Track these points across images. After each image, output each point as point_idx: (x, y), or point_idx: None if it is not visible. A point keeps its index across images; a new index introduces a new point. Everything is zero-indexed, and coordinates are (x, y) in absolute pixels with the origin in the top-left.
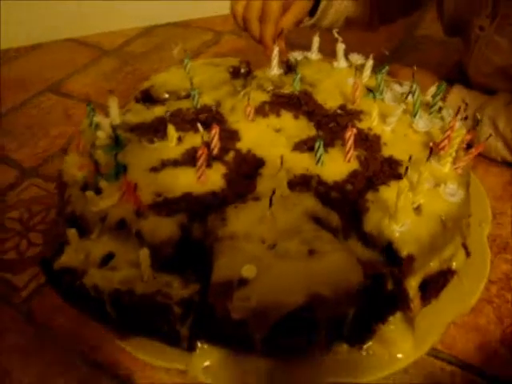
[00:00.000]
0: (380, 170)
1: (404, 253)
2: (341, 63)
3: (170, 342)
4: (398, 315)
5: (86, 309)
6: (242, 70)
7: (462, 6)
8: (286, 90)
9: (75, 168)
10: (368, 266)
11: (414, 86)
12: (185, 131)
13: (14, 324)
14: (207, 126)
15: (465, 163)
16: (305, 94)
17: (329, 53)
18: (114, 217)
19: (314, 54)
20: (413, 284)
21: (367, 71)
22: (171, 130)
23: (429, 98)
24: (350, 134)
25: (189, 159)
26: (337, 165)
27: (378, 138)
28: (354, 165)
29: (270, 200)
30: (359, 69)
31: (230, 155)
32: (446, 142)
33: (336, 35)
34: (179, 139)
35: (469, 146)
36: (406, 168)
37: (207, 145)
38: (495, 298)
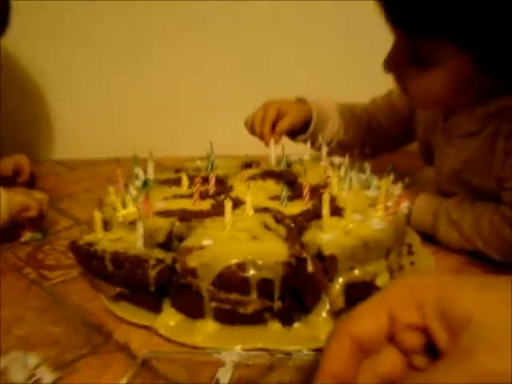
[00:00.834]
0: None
1: (327, 253)
2: (323, 162)
3: (144, 304)
4: (325, 310)
5: (94, 269)
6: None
7: (426, 131)
8: (275, 169)
9: (113, 195)
10: (295, 250)
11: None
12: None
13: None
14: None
15: (392, 210)
16: (288, 171)
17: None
18: (129, 218)
19: (306, 156)
20: (339, 281)
21: (343, 167)
22: (184, 177)
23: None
24: (306, 185)
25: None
26: (296, 207)
27: (334, 197)
28: (308, 206)
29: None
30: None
31: (221, 197)
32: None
33: (320, 140)
34: (189, 186)
35: None
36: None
37: (205, 179)
38: None
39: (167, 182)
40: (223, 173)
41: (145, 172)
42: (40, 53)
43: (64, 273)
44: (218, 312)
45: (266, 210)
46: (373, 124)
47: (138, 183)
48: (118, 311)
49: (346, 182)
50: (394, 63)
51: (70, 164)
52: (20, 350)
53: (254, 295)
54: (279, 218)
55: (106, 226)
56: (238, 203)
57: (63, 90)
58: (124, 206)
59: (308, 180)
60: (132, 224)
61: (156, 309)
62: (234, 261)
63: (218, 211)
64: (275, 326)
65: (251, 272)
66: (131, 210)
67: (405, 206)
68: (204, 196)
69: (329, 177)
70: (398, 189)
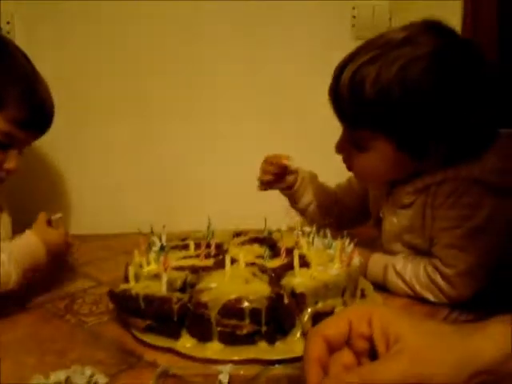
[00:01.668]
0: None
1: (298, 291)
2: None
3: (167, 333)
4: (298, 332)
5: (129, 308)
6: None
7: (375, 204)
8: (260, 236)
9: (137, 256)
10: (274, 289)
11: (329, 238)
12: (199, 248)
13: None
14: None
15: (346, 263)
16: (269, 238)
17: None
18: (152, 272)
19: (283, 227)
20: (308, 312)
21: (311, 234)
22: (191, 243)
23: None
24: (282, 246)
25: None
26: (275, 262)
27: (304, 255)
28: (284, 262)
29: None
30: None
31: (220, 257)
32: (338, 254)
33: (292, 214)
34: (195, 249)
35: None
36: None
37: (208, 244)
38: None
39: (177, 247)
40: (220, 240)
41: (160, 240)
42: (60, 136)
43: (97, 318)
44: (221, 335)
45: (253, 264)
46: (338, 203)
47: (155, 248)
48: (146, 339)
49: (312, 245)
50: (341, 147)
51: (82, 238)
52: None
53: (247, 321)
54: (263, 270)
55: (134, 279)
56: (233, 261)
57: (72, 170)
58: (148, 264)
59: (284, 244)
60: (155, 276)
61: (176, 336)
62: (233, 296)
63: (219, 266)
64: (263, 344)
65: (245, 304)
66: (153, 266)
67: (357, 260)
68: (207, 256)
69: (299, 241)
70: (350, 247)
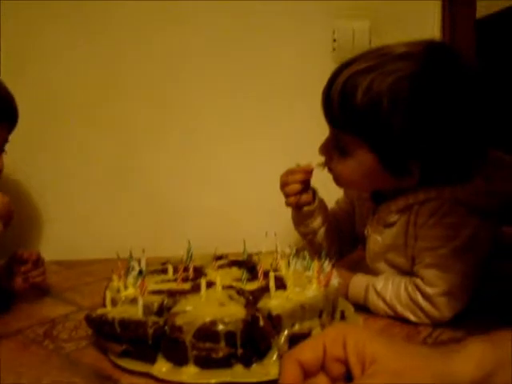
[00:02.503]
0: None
1: (274, 313)
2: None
3: (143, 357)
4: (275, 354)
5: (105, 333)
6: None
7: (360, 222)
8: (239, 259)
9: (116, 281)
10: (250, 311)
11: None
12: (178, 271)
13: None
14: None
15: (324, 283)
16: (248, 260)
17: None
18: (130, 297)
19: (263, 249)
20: (284, 334)
21: (291, 255)
22: (170, 267)
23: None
24: (260, 268)
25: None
26: (253, 285)
27: (282, 277)
28: (262, 284)
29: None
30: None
31: (198, 280)
32: (315, 274)
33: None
34: (173, 273)
35: None
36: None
37: (186, 268)
38: None
39: (156, 272)
40: (200, 263)
41: (139, 264)
42: (39, 163)
43: (76, 344)
44: (197, 358)
45: (231, 287)
46: (336, 220)
47: (135, 272)
48: (123, 364)
49: (291, 266)
50: (325, 149)
51: (66, 264)
52: None
53: (222, 344)
54: (241, 292)
55: (112, 304)
56: (211, 284)
57: (55, 195)
58: (125, 288)
59: (262, 266)
60: (132, 301)
61: (152, 360)
62: (207, 319)
63: (195, 290)
64: (239, 367)
65: (220, 326)
66: (131, 291)
67: (335, 281)
68: (185, 280)
69: (277, 263)
70: (327, 266)
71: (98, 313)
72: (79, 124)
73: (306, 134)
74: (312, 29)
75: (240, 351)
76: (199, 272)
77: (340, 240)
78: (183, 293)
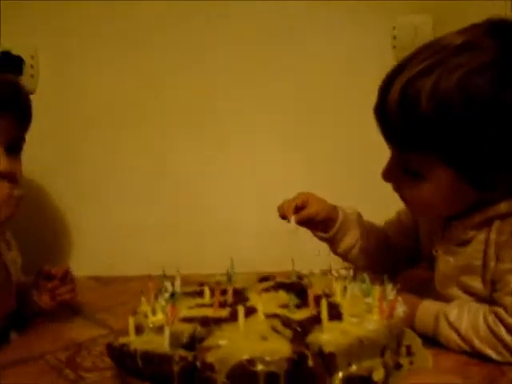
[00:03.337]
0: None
1: (327, 350)
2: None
3: None
4: None
5: (126, 366)
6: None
7: (427, 240)
8: (287, 281)
9: (145, 305)
10: (297, 348)
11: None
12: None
13: None
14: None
15: (387, 313)
16: (298, 283)
17: None
18: (158, 324)
19: (316, 270)
20: (339, 376)
21: (347, 278)
22: (206, 289)
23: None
24: (311, 293)
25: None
26: (302, 313)
27: (337, 304)
28: (313, 312)
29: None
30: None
31: (238, 306)
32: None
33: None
34: (211, 297)
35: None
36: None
37: (225, 290)
38: None
39: (192, 294)
40: (242, 285)
41: (173, 285)
42: (74, 175)
43: (98, 374)
44: None
45: (275, 315)
46: (387, 241)
47: (167, 295)
48: None
49: (347, 291)
50: (390, 174)
51: (104, 280)
52: None
53: None
54: (287, 323)
55: (138, 331)
56: (252, 311)
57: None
58: (154, 313)
59: (314, 290)
60: (160, 329)
61: None
62: (245, 357)
63: (234, 318)
64: None
65: (259, 366)
66: (160, 317)
67: (401, 310)
68: (223, 305)
69: (331, 287)
70: (391, 294)
71: (120, 342)
72: (112, 134)
73: (366, 141)
74: (370, 26)
75: None
76: (240, 295)
77: (390, 258)
78: (219, 321)
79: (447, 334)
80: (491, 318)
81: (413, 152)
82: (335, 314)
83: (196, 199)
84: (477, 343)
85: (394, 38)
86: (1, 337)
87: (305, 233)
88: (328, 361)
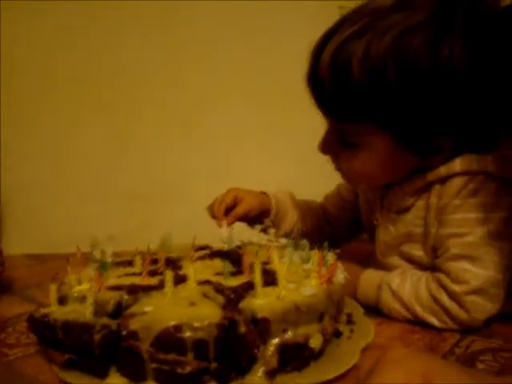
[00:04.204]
0: (263, 281)
1: (259, 316)
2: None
3: (91, 370)
4: (260, 370)
5: (46, 338)
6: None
7: (366, 210)
8: (224, 249)
9: (71, 275)
10: (228, 313)
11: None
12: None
13: None
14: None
15: (325, 278)
16: (234, 251)
17: None
18: (83, 293)
19: (254, 239)
20: (273, 343)
21: (288, 246)
22: (137, 259)
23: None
24: (246, 260)
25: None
26: (237, 280)
27: (273, 271)
28: (248, 279)
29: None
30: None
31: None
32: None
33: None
34: (142, 265)
35: None
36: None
37: (155, 260)
38: None
39: (123, 264)
40: (177, 255)
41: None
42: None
43: (22, 350)
44: (158, 373)
45: (208, 282)
46: (326, 216)
47: (95, 265)
48: (67, 378)
49: (286, 258)
50: (327, 146)
51: (43, 258)
52: None
53: (190, 356)
54: (219, 289)
55: (63, 301)
56: (184, 279)
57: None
58: (80, 283)
59: (250, 257)
60: (85, 298)
61: (103, 374)
62: (171, 323)
63: (164, 285)
64: None
65: (187, 333)
66: (86, 286)
67: (342, 276)
68: (154, 274)
69: (270, 255)
70: (330, 258)
71: (41, 313)
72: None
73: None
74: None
75: (214, 365)
76: (173, 264)
77: (332, 232)
78: (148, 289)
79: (390, 303)
80: (433, 285)
81: (348, 121)
82: (271, 280)
83: (145, 168)
84: (419, 311)
85: None
86: None
87: None
88: (261, 327)
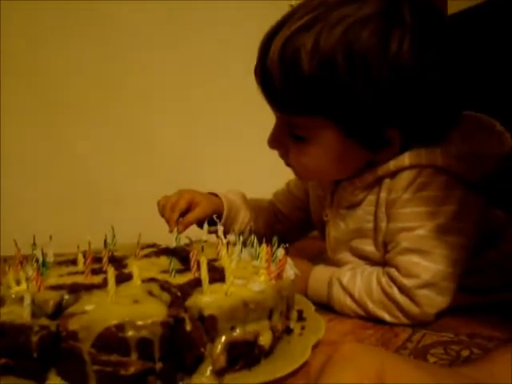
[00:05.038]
0: (211, 277)
1: (206, 313)
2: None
3: (29, 375)
4: (208, 369)
5: None
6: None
7: (316, 206)
8: (171, 247)
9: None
10: (173, 311)
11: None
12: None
13: None
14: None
15: (275, 274)
16: (181, 248)
17: None
18: (20, 294)
19: (204, 237)
20: (221, 341)
21: (237, 244)
22: (80, 257)
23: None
24: (193, 257)
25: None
26: (185, 278)
27: (221, 268)
28: (196, 275)
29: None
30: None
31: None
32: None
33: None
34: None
35: None
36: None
37: (99, 259)
38: None
39: (65, 263)
40: (122, 254)
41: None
42: None
43: None
44: (100, 375)
45: (153, 280)
46: (277, 214)
47: (35, 264)
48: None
49: (234, 255)
50: (276, 140)
51: None
52: None
53: (134, 356)
54: (166, 287)
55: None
56: (129, 278)
57: None
58: (18, 284)
59: (197, 254)
60: (23, 299)
61: (41, 378)
62: (113, 322)
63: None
64: None
65: (130, 332)
66: (24, 286)
67: (291, 272)
68: (98, 272)
69: (219, 252)
70: (279, 253)
71: None
72: None
73: None
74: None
75: (159, 366)
76: (117, 263)
77: (281, 231)
78: (90, 288)
79: (341, 299)
80: (384, 280)
81: (297, 114)
82: (219, 277)
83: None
84: (370, 306)
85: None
86: None
87: None
88: (208, 324)
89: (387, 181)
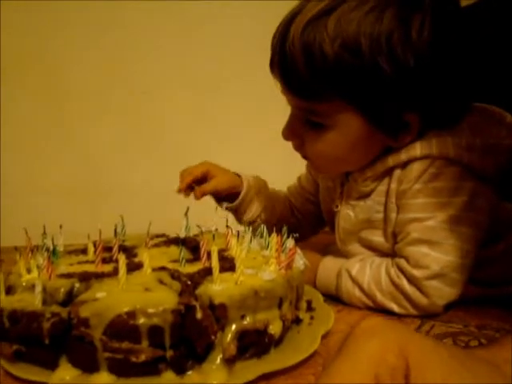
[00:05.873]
0: (221, 267)
1: (217, 301)
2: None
3: (41, 361)
4: (218, 357)
5: None
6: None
7: (326, 198)
8: (181, 237)
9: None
10: (184, 299)
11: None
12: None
13: None
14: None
15: (285, 264)
16: (191, 238)
17: None
18: (32, 282)
19: (214, 227)
20: (231, 330)
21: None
22: (90, 246)
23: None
24: (203, 246)
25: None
26: (194, 267)
27: (232, 257)
28: (205, 265)
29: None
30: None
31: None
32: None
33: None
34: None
35: None
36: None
37: (109, 248)
38: None
39: (75, 252)
40: (132, 243)
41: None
42: None
43: None
44: (111, 363)
45: (163, 269)
46: (292, 208)
47: (46, 253)
48: (14, 370)
49: (245, 245)
50: (291, 131)
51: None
52: None
53: (145, 343)
54: (176, 276)
55: (11, 291)
56: (139, 266)
57: None
58: (29, 272)
59: (207, 244)
60: (34, 287)
61: (52, 365)
62: (124, 310)
63: (116, 272)
64: (169, 374)
65: (141, 320)
66: (35, 275)
67: (301, 262)
68: (108, 261)
69: (229, 242)
70: (289, 243)
71: None
72: None
73: None
74: None
75: (170, 353)
76: (128, 252)
77: (294, 225)
78: (101, 276)
79: (349, 290)
80: (393, 271)
81: (319, 100)
82: (229, 266)
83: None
84: (379, 297)
85: None
86: None
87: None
88: (219, 313)
89: (398, 171)
